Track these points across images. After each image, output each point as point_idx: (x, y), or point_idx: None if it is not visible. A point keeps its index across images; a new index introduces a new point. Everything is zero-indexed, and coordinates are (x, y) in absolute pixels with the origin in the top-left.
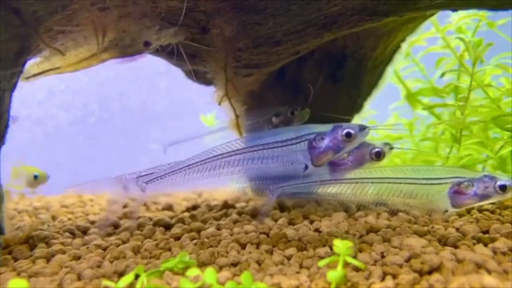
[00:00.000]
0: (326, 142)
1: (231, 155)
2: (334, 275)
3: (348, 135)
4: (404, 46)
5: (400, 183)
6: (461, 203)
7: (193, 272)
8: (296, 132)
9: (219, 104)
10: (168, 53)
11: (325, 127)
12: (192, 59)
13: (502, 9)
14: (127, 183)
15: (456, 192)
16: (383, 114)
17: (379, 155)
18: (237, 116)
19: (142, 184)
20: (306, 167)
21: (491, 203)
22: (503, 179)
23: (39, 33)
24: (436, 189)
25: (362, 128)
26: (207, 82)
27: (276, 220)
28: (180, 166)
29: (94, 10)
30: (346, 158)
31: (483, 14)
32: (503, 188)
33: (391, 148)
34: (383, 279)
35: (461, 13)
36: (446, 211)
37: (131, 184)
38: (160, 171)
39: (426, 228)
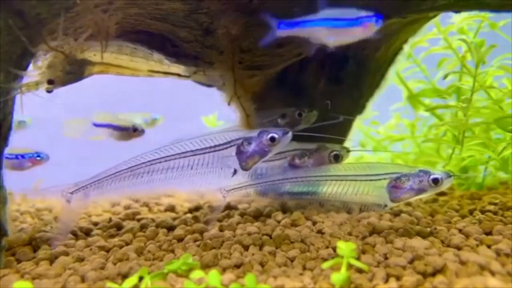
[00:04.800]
0: (252, 146)
1: (160, 162)
2: (338, 277)
3: (273, 139)
4: (406, 47)
5: (342, 180)
6: (399, 197)
7: (197, 274)
8: (224, 138)
9: (229, 104)
10: (171, 54)
11: (252, 132)
12: (195, 61)
13: (504, 11)
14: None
15: (394, 186)
16: (385, 115)
17: (337, 158)
18: (247, 116)
19: (68, 195)
20: (235, 171)
21: (493, 204)
22: (436, 173)
23: (42, 35)
24: (376, 185)
25: (286, 132)
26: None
27: (278, 222)
28: (106, 174)
29: (97, 12)
30: (307, 161)
31: (485, 15)
32: (436, 181)
33: (348, 152)
34: (386, 281)
35: (463, 14)
36: (385, 205)
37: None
38: (85, 181)
39: (428, 229)
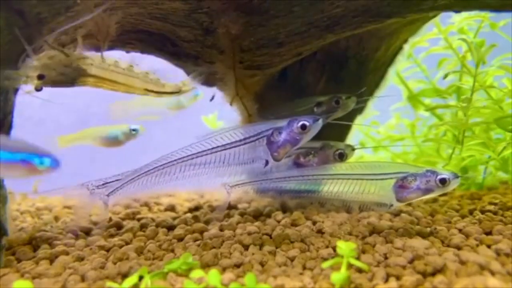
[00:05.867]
0: (283, 135)
1: (192, 158)
2: (338, 276)
3: (304, 127)
4: (406, 47)
5: (348, 179)
6: (405, 197)
7: (197, 273)
8: (254, 129)
9: (231, 104)
10: (171, 54)
11: (281, 122)
12: (195, 60)
13: (504, 10)
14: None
15: (401, 186)
16: (385, 115)
17: (342, 156)
18: (249, 115)
19: (104, 197)
20: (267, 162)
21: (493, 204)
22: (444, 173)
23: (42, 34)
24: (382, 184)
25: (316, 119)
26: (210, 83)
27: (278, 221)
28: (139, 173)
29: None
30: (312, 159)
31: (485, 15)
32: (443, 181)
33: (353, 150)
34: (386, 280)
35: (463, 14)
36: (391, 205)
37: (94, 196)
38: (120, 180)
39: (428, 229)
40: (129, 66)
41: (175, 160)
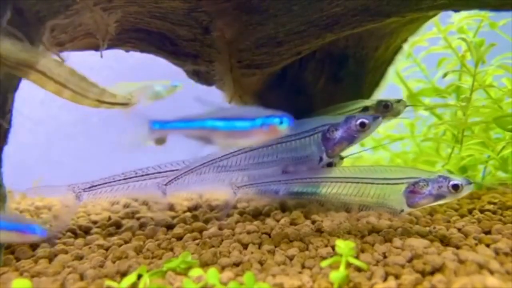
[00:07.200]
0: (340, 132)
1: (246, 151)
2: (336, 275)
3: (363, 125)
4: (406, 46)
5: (358, 182)
6: (417, 202)
7: (196, 272)
8: (310, 125)
9: (229, 102)
10: (170, 52)
11: (338, 119)
12: (195, 59)
13: (504, 10)
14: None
15: (412, 192)
16: None
17: (330, 165)
18: None
19: (162, 187)
20: (321, 159)
21: (492, 203)
22: (456, 179)
23: (41, 33)
24: (393, 189)
25: (376, 117)
26: (209, 82)
27: (278, 220)
28: (196, 164)
29: (97, 10)
30: (300, 168)
31: (485, 14)
32: (456, 187)
33: (342, 158)
34: (385, 279)
35: (463, 13)
36: (402, 210)
37: (152, 188)
38: (177, 172)
39: (428, 228)
40: (82, 77)
41: (231, 152)
